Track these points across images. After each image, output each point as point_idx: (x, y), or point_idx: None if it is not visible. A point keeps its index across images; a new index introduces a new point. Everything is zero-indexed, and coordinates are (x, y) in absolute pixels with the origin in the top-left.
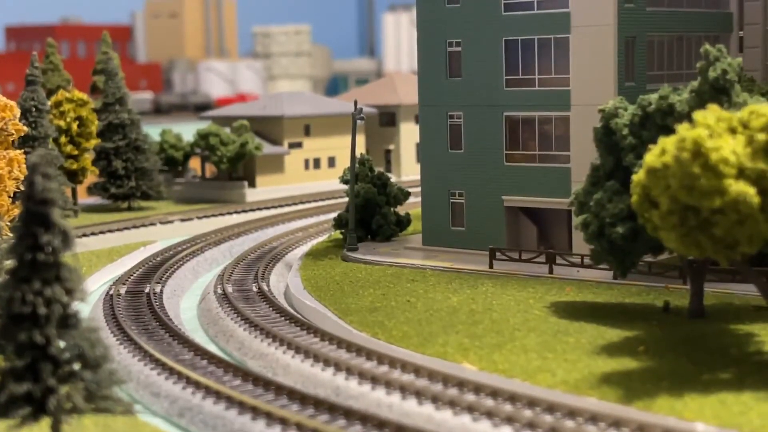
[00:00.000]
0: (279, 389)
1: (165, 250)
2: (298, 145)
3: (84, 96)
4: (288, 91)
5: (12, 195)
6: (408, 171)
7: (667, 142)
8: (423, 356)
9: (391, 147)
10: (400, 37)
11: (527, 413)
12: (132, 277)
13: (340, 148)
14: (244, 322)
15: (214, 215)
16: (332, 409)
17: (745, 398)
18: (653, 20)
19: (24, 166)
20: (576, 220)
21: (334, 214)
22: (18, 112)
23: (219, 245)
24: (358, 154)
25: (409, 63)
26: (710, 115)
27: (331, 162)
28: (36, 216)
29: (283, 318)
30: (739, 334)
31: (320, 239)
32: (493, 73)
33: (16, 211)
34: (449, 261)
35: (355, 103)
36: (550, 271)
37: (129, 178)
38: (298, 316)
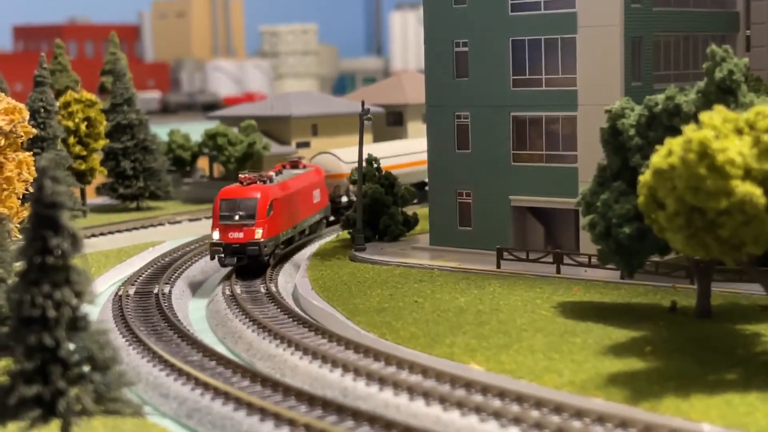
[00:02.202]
0: (287, 390)
1: (173, 251)
2: (306, 144)
3: (92, 96)
4: (296, 91)
5: (21, 197)
6: None
7: (673, 143)
8: (430, 357)
9: None
10: (407, 36)
11: (534, 414)
12: (141, 278)
13: (347, 148)
14: (252, 324)
15: None
16: (340, 410)
17: (751, 399)
18: (660, 20)
19: (33, 168)
20: (583, 221)
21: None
22: (27, 114)
23: None
24: (365, 154)
25: (416, 61)
26: (716, 115)
27: None
28: (45, 219)
29: (291, 319)
30: (745, 334)
31: (328, 239)
32: (500, 73)
33: (26, 214)
34: (456, 261)
35: (363, 103)
36: (558, 271)
37: (137, 178)
38: (306, 317)
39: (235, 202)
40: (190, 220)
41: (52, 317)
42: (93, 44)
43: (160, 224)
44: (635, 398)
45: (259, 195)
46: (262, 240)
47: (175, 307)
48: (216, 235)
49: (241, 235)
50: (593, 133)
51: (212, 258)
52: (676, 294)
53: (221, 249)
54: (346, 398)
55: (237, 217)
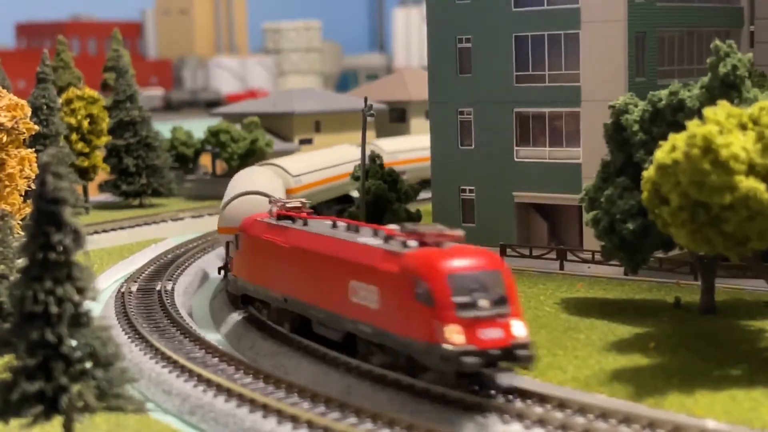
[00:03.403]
0: (290, 387)
1: (176, 248)
2: (309, 141)
3: (95, 93)
4: (298, 88)
5: (23, 194)
6: None
7: (677, 139)
8: None
9: None
10: (410, 33)
11: (538, 410)
12: (143, 275)
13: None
14: (255, 321)
15: None
16: (343, 407)
17: (755, 394)
18: (663, 15)
19: (35, 164)
20: (587, 217)
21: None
22: (29, 110)
23: None
24: (368, 151)
25: (419, 58)
26: (720, 111)
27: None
28: (47, 215)
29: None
30: (749, 330)
31: None
32: (503, 69)
33: (28, 210)
34: None
35: (365, 99)
36: (561, 268)
37: (140, 175)
38: None
39: (475, 279)
40: (193, 217)
41: (54, 313)
42: (96, 41)
43: (163, 221)
44: (639, 394)
45: (499, 262)
46: (529, 339)
47: (178, 303)
48: (458, 336)
49: (500, 333)
50: (597, 128)
51: (462, 383)
52: (680, 290)
53: (478, 359)
54: (348, 395)
55: (485, 304)
